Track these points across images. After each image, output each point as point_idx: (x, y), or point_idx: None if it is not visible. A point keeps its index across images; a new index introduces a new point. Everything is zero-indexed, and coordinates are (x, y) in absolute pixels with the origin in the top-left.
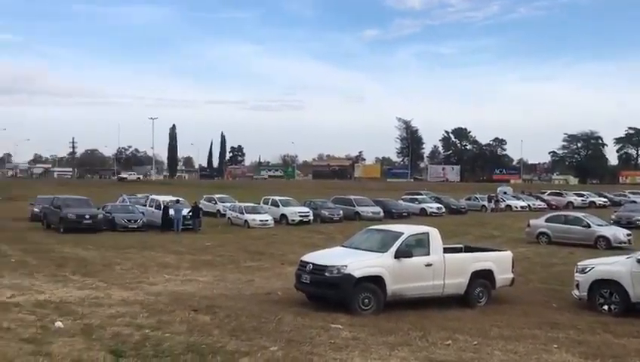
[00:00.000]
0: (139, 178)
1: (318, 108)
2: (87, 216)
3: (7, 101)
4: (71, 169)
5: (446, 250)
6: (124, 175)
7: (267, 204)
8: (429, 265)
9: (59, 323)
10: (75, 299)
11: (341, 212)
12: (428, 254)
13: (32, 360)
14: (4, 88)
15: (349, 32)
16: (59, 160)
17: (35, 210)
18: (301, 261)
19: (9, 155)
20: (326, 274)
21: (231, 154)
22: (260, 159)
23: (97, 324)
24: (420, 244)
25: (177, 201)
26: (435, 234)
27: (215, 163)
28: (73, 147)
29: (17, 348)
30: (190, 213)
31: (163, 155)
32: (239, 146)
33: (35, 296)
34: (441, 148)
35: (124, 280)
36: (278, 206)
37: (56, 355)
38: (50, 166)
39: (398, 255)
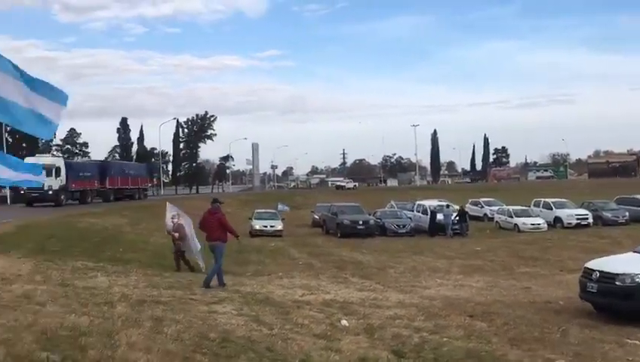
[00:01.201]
0: (355, 186)
1: (592, 101)
2: (361, 222)
3: (288, 120)
4: (342, 178)
5: None
6: (341, 183)
7: (538, 206)
8: None
9: (344, 322)
10: (356, 299)
11: (627, 213)
12: None
13: (324, 355)
14: (285, 109)
15: (628, 12)
16: (332, 170)
17: (316, 216)
18: (585, 268)
19: (291, 168)
20: (617, 283)
21: (494, 156)
22: (526, 159)
23: (378, 324)
24: None
25: (447, 206)
26: None
27: (478, 166)
28: (344, 158)
29: (312, 342)
30: (457, 218)
31: (426, 161)
32: (503, 148)
33: (322, 295)
34: None
35: (399, 283)
36: (550, 208)
37: (345, 351)
38: (324, 176)
39: None
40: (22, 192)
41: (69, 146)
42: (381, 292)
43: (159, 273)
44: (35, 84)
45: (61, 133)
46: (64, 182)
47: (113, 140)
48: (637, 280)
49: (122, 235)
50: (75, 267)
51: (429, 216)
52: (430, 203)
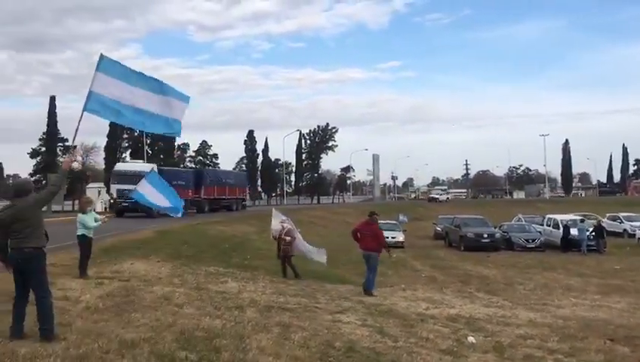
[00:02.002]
0: (447, 198)
1: None
2: (485, 235)
3: (409, 130)
4: (465, 190)
5: None
6: (434, 195)
7: None
8: None
9: (471, 339)
10: (483, 315)
11: None
12: None
13: None
14: (406, 119)
15: None
16: (454, 181)
17: (438, 228)
18: None
19: (411, 179)
20: None
21: (635, 167)
22: None
23: (508, 343)
24: None
25: (582, 221)
26: None
27: (616, 178)
28: (466, 169)
29: (437, 357)
30: (593, 233)
31: (556, 172)
32: None
33: (447, 309)
34: None
35: (529, 301)
36: None
37: None
38: (446, 188)
39: None
40: (111, 201)
41: (200, 158)
42: (509, 309)
43: (284, 280)
44: (157, 87)
45: (194, 145)
46: None
47: (240, 152)
48: None
49: (249, 243)
50: (207, 271)
51: (561, 231)
52: (563, 217)
